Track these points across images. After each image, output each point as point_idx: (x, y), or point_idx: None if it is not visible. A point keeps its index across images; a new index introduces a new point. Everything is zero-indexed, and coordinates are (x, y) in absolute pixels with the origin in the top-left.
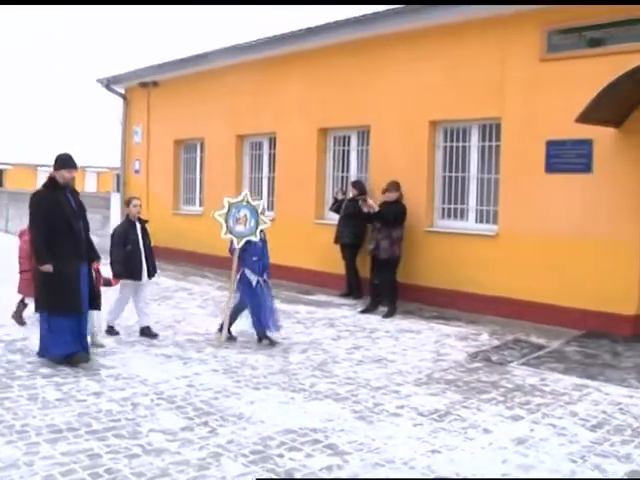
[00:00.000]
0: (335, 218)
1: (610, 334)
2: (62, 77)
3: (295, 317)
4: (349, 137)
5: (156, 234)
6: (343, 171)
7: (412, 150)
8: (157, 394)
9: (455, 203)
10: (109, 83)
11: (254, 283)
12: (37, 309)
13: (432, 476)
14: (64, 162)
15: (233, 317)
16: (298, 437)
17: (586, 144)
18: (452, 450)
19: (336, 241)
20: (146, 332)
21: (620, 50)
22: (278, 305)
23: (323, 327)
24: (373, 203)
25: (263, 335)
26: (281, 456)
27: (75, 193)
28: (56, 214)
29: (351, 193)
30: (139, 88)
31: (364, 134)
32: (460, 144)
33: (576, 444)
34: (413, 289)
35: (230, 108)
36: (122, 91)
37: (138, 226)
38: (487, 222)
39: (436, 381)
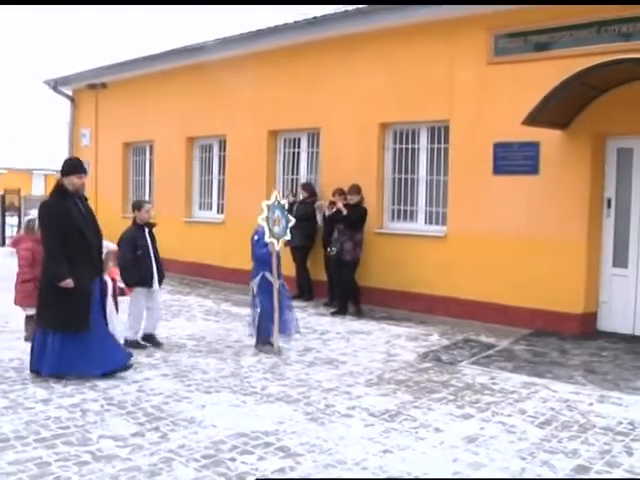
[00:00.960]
0: None
1: (558, 332)
2: (9, 78)
3: (246, 320)
4: (299, 139)
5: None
6: (293, 173)
7: (362, 152)
8: (107, 400)
9: (405, 205)
10: (56, 85)
11: (276, 287)
12: (42, 326)
13: (383, 476)
14: (73, 167)
15: (265, 326)
16: (250, 440)
17: (533, 146)
18: (404, 450)
19: (286, 243)
20: (150, 339)
21: (565, 54)
22: (229, 308)
23: None
24: (342, 206)
25: (266, 341)
26: (233, 460)
27: (84, 199)
28: (68, 223)
29: (301, 195)
30: (87, 90)
31: (314, 136)
32: (409, 146)
33: (525, 441)
34: (364, 290)
35: (180, 110)
36: (70, 93)
37: (146, 230)
38: (436, 223)
39: (387, 381)
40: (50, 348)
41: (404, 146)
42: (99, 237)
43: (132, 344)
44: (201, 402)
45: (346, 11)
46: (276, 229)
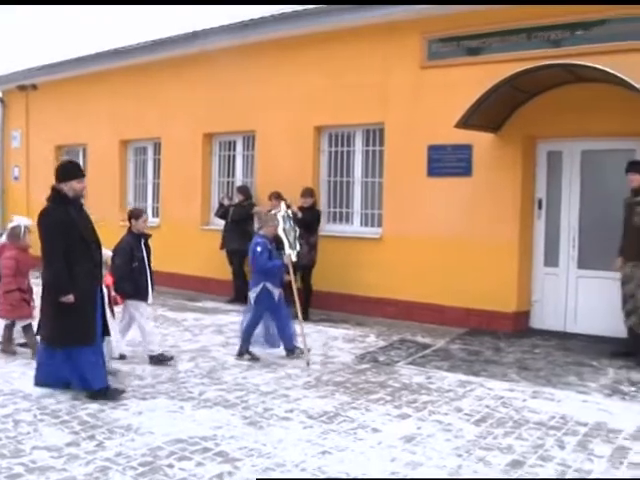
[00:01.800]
0: (221, 224)
1: (492, 331)
2: None
3: (182, 325)
4: (235, 142)
5: (36, 244)
6: (229, 176)
7: (297, 155)
8: (40, 409)
9: (341, 207)
10: None
11: (276, 297)
12: (50, 343)
13: (322, 476)
14: (73, 172)
15: (248, 337)
16: (188, 446)
17: (466, 149)
18: (342, 451)
19: (222, 247)
20: (160, 359)
21: (496, 59)
22: (165, 313)
23: (211, 334)
24: (296, 209)
25: (246, 350)
26: (171, 466)
27: (81, 206)
28: (72, 232)
29: (237, 198)
30: (17, 91)
31: (250, 139)
32: (345, 149)
33: (461, 439)
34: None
35: (113, 113)
36: None
37: (142, 241)
38: (372, 225)
39: (325, 383)
40: (43, 360)
41: (339, 149)
42: (99, 245)
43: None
44: (138, 409)
45: (282, 14)
46: (290, 240)
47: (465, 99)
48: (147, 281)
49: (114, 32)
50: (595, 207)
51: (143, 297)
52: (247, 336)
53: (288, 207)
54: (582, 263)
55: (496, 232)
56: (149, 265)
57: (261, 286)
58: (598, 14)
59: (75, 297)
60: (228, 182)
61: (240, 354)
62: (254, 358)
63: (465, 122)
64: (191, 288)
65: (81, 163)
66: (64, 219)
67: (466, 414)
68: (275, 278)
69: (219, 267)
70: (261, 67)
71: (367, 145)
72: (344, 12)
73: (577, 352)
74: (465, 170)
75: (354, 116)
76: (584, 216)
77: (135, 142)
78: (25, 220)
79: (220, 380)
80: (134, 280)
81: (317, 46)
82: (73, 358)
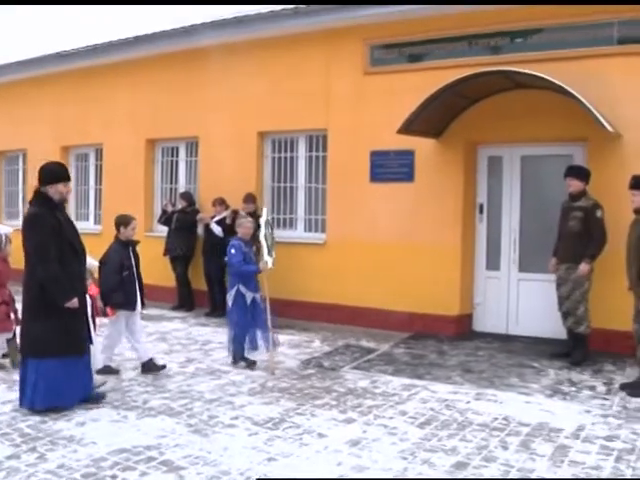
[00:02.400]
0: (164, 230)
1: (436, 335)
2: None
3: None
4: (177, 148)
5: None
6: (172, 182)
7: (241, 161)
8: None
9: (284, 213)
10: None
11: (249, 301)
12: (32, 354)
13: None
14: (59, 175)
15: (239, 342)
16: (132, 456)
17: (408, 154)
18: (288, 457)
19: (165, 253)
20: (151, 367)
21: (437, 65)
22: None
23: (155, 341)
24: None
25: (241, 357)
26: (114, 477)
27: (64, 210)
28: (61, 237)
29: (180, 205)
30: None
31: (193, 145)
32: (288, 155)
33: (406, 442)
34: None
35: (54, 118)
36: None
37: (130, 249)
38: (316, 231)
39: (270, 390)
40: (44, 378)
41: (283, 155)
42: (84, 251)
43: (106, 370)
44: (81, 419)
45: (223, 19)
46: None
47: (407, 105)
48: (136, 290)
49: (58, 35)
50: (535, 211)
51: (133, 307)
52: (238, 341)
53: (235, 213)
54: (523, 266)
55: (438, 237)
56: (138, 273)
57: (235, 289)
58: (536, 23)
59: (64, 304)
60: (171, 188)
61: (234, 361)
62: (250, 364)
63: (407, 128)
64: None
65: (21, 170)
66: (53, 223)
67: (411, 417)
68: (250, 282)
69: (163, 274)
70: (204, 73)
71: (310, 151)
72: (287, 18)
73: (519, 354)
74: (407, 175)
75: (297, 122)
76: (524, 220)
77: (77, 148)
78: (4, 228)
79: (164, 388)
80: (124, 290)
81: (260, 52)
82: (60, 372)
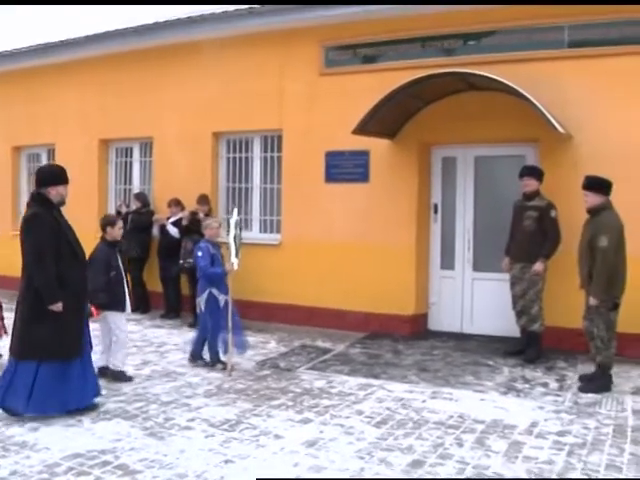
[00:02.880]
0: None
1: (392, 334)
2: None
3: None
4: (131, 148)
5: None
6: (126, 183)
7: (196, 161)
8: None
9: (239, 213)
10: None
11: (222, 303)
12: (31, 356)
13: None
14: (60, 176)
15: (215, 347)
16: (86, 460)
17: (363, 155)
18: (245, 458)
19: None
20: (118, 375)
21: (391, 67)
22: None
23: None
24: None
25: (217, 359)
26: None
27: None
28: (60, 238)
29: (134, 206)
30: None
31: (147, 145)
32: (243, 155)
33: (363, 441)
34: None
35: (4, 118)
36: None
37: (116, 249)
38: (271, 231)
39: (226, 391)
40: (32, 382)
41: (238, 155)
42: (84, 254)
43: (118, 375)
44: (34, 424)
45: (177, 19)
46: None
47: (362, 106)
48: (124, 291)
49: (7, 34)
50: (488, 211)
51: (121, 307)
52: (213, 345)
53: (193, 214)
54: (477, 265)
55: (394, 237)
56: (126, 274)
57: (207, 292)
58: (489, 25)
59: (64, 306)
60: (125, 189)
61: (212, 364)
62: (225, 366)
63: (362, 129)
64: None
65: None
66: (52, 224)
67: (367, 417)
68: (221, 284)
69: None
70: (158, 73)
71: (265, 151)
72: (241, 18)
73: (474, 352)
74: (362, 176)
75: (252, 122)
76: (478, 220)
77: (28, 149)
78: None
79: (119, 391)
80: (111, 290)
81: (214, 52)
82: (50, 376)
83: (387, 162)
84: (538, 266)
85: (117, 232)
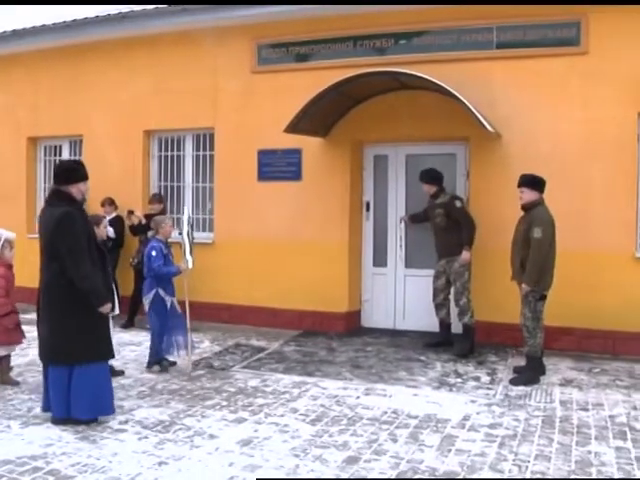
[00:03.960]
0: None
1: (325, 332)
2: None
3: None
4: (61, 147)
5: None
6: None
7: (127, 160)
8: None
9: (172, 212)
10: None
11: (169, 305)
12: (77, 360)
13: None
14: (81, 173)
15: (156, 346)
16: (16, 467)
17: (295, 153)
18: (179, 460)
19: None
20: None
21: (324, 65)
22: None
23: None
24: (141, 215)
25: (155, 361)
26: None
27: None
28: (90, 238)
29: None
30: None
31: (77, 144)
32: (175, 153)
33: (298, 439)
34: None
35: None
36: None
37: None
38: (204, 230)
39: (159, 392)
40: (92, 384)
41: (170, 153)
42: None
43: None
44: None
45: (107, 15)
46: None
47: (295, 104)
48: (113, 291)
49: None
50: (420, 208)
51: (112, 307)
52: (154, 346)
53: (131, 213)
54: (409, 262)
55: (326, 234)
56: (113, 275)
57: (154, 292)
58: (420, 25)
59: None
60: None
61: (149, 365)
62: (164, 369)
63: (294, 127)
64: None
65: None
66: (83, 223)
67: (302, 414)
68: (169, 285)
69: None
70: (88, 69)
71: (198, 150)
72: (174, 15)
73: (406, 348)
74: (295, 174)
75: (184, 120)
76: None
77: None
78: (7, 233)
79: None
80: None
81: (145, 49)
82: (83, 377)
83: (319, 160)
84: (465, 255)
85: (103, 231)
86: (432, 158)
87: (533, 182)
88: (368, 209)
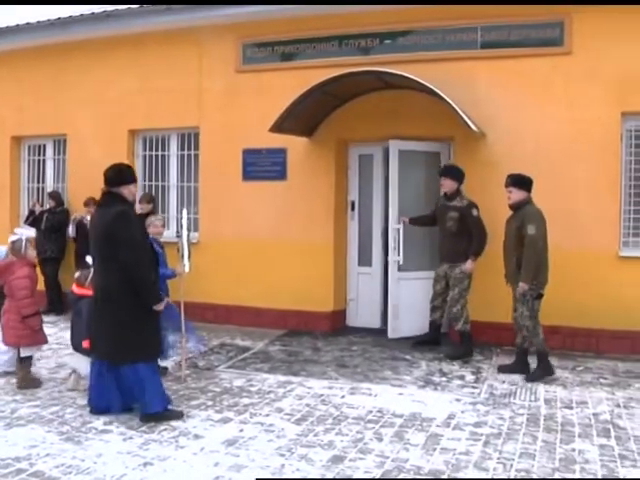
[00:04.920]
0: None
1: (311, 331)
2: None
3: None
4: (45, 146)
5: None
6: (39, 182)
7: (111, 159)
8: None
9: (156, 211)
10: None
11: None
12: (144, 359)
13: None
14: (132, 175)
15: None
16: (0, 469)
17: (280, 152)
18: (164, 460)
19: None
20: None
21: (309, 65)
22: None
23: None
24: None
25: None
26: None
27: None
28: (145, 237)
29: (48, 205)
30: None
31: (60, 143)
32: (160, 153)
33: (283, 438)
34: None
35: None
36: None
37: None
38: (188, 230)
39: None
40: (156, 380)
41: (154, 153)
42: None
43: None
44: None
45: (92, 14)
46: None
47: (280, 103)
48: None
49: None
50: (405, 208)
51: None
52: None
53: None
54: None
55: (311, 234)
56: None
57: None
58: (405, 25)
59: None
60: (38, 188)
61: None
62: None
63: (279, 127)
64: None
65: None
66: (139, 223)
67: (287, 414)
68: (162, 284)
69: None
70: (73, 68)
71: (182, 149)
72: (158, 14)
73: (392, 347)
74: (280, 174)
75: (169, 120)
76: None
77: None
78: (27, 232)
79: (34, 396)
80: None
81: (130, 48)
82: (139, 376)
83: (305, 160)
84: (469, 264)
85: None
86: (417, 156)
87: (521, 182)
88: (353, 209)
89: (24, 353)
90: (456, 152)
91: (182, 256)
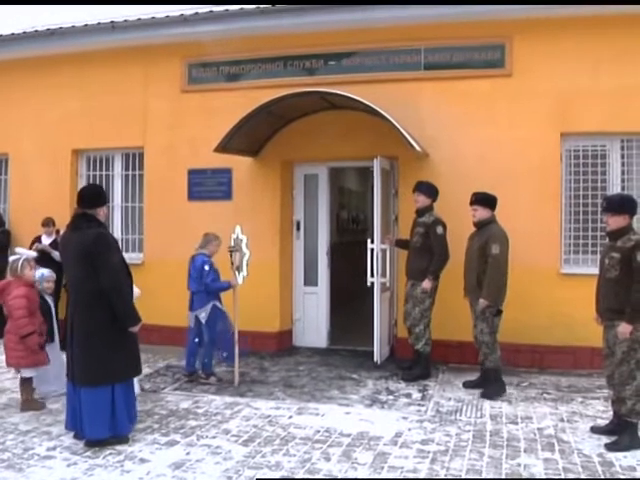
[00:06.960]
0: None
1: (257, 352)
2: None
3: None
4: None
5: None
6: None
7: (55, 179)
8: None
9: None
10: None
11: (223, 317)
12: (118, 379)
13: None
14: (104, 197)
15: (209, 356)
16: None
17: (226, 172)
18: None
19: None
20: None
21: (254, 85)
22: None
23: None
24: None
25: (211, 372)
26: None
27: None
28: (122, 259)
29: None
30: None
31: (2, 162)
32: (104, 173)
33: (230, 460)
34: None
35: None
36: None
37: None
38: (133, 251)
39: None
40: (129, 401)
41: (98, 173)
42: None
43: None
44: None
45: (35, 32)
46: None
47: (225, 124)
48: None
49: None
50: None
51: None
52: (209, 358)
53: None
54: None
55: (257, 254)
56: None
57: (211, 305)
58: (350, 46)
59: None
60: None
61: (207, 376)
62: (219, 379)
63: (224, 147)
64: None
65: None
66: (116, 244)
67: (234, 435)
68: (218, 296)
69: None
70: (13, 87)
71: (127, 169)
72: (103, 33)
73: (338, 366)
74: (226, 194)
75: (113, 139)
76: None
77: None
78: (27, 252)
79: None
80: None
81: (74, 66)
82: (81, 399)
83: (250, 180)
84: (426, 284)
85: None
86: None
87: (486, 200)
88: (299, 228)
89: (25, 374)
90: (400, 171)
91: (236, 269)
